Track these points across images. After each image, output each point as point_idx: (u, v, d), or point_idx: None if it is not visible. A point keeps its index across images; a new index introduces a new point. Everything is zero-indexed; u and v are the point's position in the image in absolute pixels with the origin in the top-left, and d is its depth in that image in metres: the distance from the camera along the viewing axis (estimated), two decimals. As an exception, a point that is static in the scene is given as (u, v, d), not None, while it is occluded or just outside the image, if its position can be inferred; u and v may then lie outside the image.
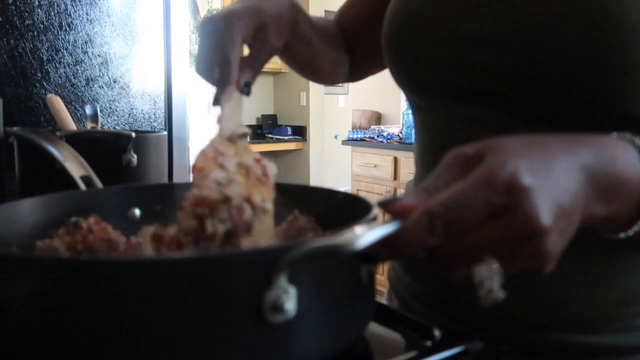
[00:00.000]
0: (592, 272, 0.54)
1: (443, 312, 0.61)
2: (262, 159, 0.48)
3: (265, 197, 0.44)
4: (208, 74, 0.54)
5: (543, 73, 0.51)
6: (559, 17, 0.49)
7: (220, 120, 0.53)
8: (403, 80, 0.66)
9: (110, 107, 1.28)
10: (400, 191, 3.19)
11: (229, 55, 0.53)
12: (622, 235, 0.45)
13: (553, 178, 0.38)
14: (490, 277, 0.37)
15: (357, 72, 0.83)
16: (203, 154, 0.48)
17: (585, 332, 0.54)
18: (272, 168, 0.48)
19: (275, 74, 5.83)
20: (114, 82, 1.28)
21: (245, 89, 0.56)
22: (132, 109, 1.32)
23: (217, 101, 0.54)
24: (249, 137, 0.52)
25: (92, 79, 1.24)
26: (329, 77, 0.81)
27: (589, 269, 0.54)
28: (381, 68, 0.82)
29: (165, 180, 1.03)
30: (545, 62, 0.51)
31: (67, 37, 1.19)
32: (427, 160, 0.65)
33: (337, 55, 0.77)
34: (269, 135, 5.72)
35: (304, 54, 0.70)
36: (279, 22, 0.59)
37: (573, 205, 0.39)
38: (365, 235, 0.35)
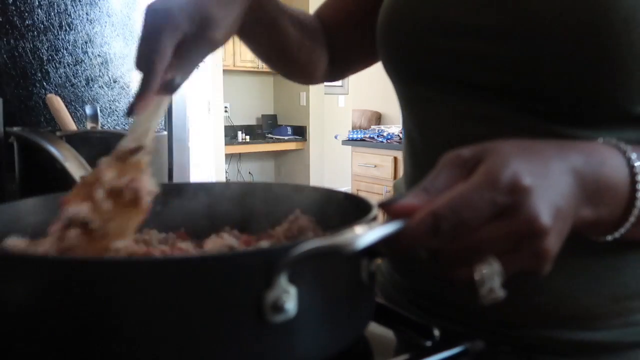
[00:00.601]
0: (589, 269, 0.54)
1: (435, 312, 0.61)
2: (138, 180, 0.45)
3: (122, 225, 0.44)
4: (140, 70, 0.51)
5: (547, 69, 0.51)
6: (566, 13, 0.49)
7: (129, 129, 0.50)
8: (400, 72, 0.64)
9: (110, 107, 1.28)
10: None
11: (153, 65, 0.49)
12: (609, 238, 0.45)
13: (550, 180, 0.39)
14: (491, 276, 0.37)
15: (335, 71, 0.80)
16: (82, 180, 0.46)
17: (584, 329, 0.54)
18: (145, 190, 0.45)
19: (275, 74, 5.81)
20: (114, 82, 1.28)
21: (169, 87, 0.50)
22: (132, 109, 1.32)
23: (130, 112, 0.50)
24: (147, 151, 0.48)
25: (92, 79, 1.24)
26: (305, 72, 0.77)
27: (586, 265, 0.54)
28: (361, 68, 0.81)
29: (165, 180, 1.03)
30: (550, 58, 0.51)
31: (67, 37, 1.19)
32: (420, 157, 0.64)
33: (315, 47, 0.74)
34: (269, 135, 5.72)
35: (276, 42, 0.66)
36: (225, 12, 0.53)
37: (568, 207, 0.39)
38: (365, 235, 0.35)
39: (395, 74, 0.65)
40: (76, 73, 1.21)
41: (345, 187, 4.49)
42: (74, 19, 1.20)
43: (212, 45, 0.53)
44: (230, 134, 5.42)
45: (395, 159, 3.34)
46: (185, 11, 0.50)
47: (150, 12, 0.50)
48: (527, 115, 0.54)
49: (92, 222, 0.43)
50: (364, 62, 0.80)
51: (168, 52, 0.50)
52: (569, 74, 0.50)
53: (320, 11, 0.78)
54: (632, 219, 0.44)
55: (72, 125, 0.98)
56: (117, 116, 1.30)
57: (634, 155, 0.43)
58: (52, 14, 1.16)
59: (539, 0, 0.51)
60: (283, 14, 0.68)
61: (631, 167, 0.43)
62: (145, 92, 0.49)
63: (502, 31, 0.53)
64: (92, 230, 0.43)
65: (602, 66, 0.49)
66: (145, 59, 0.49)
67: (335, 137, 5.06)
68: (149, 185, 0.45)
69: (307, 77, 0.78)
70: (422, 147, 0.64)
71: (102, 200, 0.44)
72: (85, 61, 1.22)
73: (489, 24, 0.54)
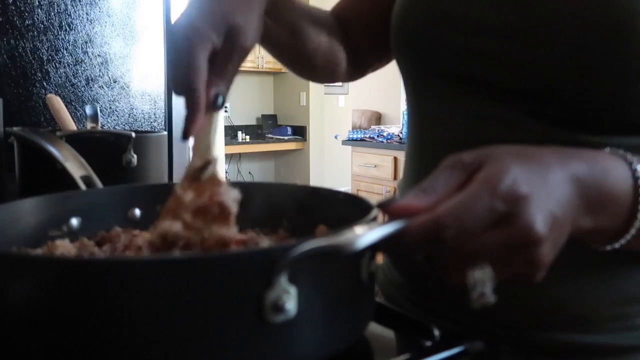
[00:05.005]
0: (590, 273, 0.54)
1: (436, 312, 0.61)
2: (220, 194, 0.46)
3: (219, 236, 0.45)
4: (181, 94, 0.50)
5: (563, 72, 0.51)
6: (581, 16, 0.49)
7: (193, 150, 0.50)
8: (412, 67, 0.64)
9: (110, 107, 1.28)
10: (400, 191, 3.18)
11: (193, 84, 0.48)
12: (609, 247, 0.45)
13: (548, 189, 0.38)
14: (483, 281, 0.37)
15: (356, 69, 0.79)
16: (166, 209, 0.47)
17: (584, 332, 0.54)
18: (230, 202, 0.45)
19: (275, 74, 5.83)
20: (114, 82, 1.28)
21: (218, 103, 0.50)
22: (132, 109, 1.32)
23: (185, 136, 0.49)
24: (215, 164, 0.48)
25: (92, 79, 1.24)
26: (325, 73, 0.76)
27: (588, 269, 0.54)
28: (382, 64, 0.80)
29: (165, 180, 1.03)
30: (561, 60, 0.50)
31: (67, 37, 1.19)
32: (426, 155, 0.64)
33: (333, 46, 0.73)
34: (269, 135, 5.72)
35: (295, 44, 0.66)
36: (248, 18, 0.52)
37: (565, 216, 0.39)
38: (365, 235, 0.35)
39: (407, 69, 0.65)
40: (76, 73, 1.21)
41: (345, 187, 4.49)
42: (74, 19, 1.20)
43: (243, 53, 0.53)
44: (230, 134, 5.42)
45: (395, 159, 3.34)
46: (211, 24, 0.50)
47: (176, 32, 0.50)
48: (537, 118, 0.53)
49: (182, 239, 0.44)
50: (382, 60, 0.79)
51: (205, 68, 0.49)
52: (585, 76, 0.50)
53: (336, 11, 0.77)
54: (632, 231, 0.43)
55: (72, 125, 0.98)
56: (117, 116, 1.30)
57: (639, 167, 0.43)
58: (52, 14, 1.16)
59: (556, 1, 0.50)
60: (301, 15, 0.67)
61: (636, 179, 0.43)
62: (195, 114, 0.48)
63: (519, 31, 0.52)
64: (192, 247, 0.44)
65: (620, 70, 0.48)
66: (184, 81, 0.48)
67: (335, 137, 5.05)
68: (231, 194, 0.46)
69: (328, 77, 0.78)
70: (428, 145, 0.63)
71: (191, 220, 0.45)
72: (85, 61, 1.22)
73: (506, 22, 0.53)
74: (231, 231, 0.45)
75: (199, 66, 0.48)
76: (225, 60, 0.51)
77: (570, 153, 0.43)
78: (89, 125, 1.01)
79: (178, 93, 0.49)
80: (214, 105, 0.50)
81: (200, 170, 0.47)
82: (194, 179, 0.47)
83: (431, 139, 0.63)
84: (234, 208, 0.45)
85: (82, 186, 0.67)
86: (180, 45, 0.49)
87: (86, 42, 1.22)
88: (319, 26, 0.71)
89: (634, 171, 0.43)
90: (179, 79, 0.49)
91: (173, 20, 1.37)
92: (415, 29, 0.61)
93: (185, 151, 1.41)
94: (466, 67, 0.56)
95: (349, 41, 0.76)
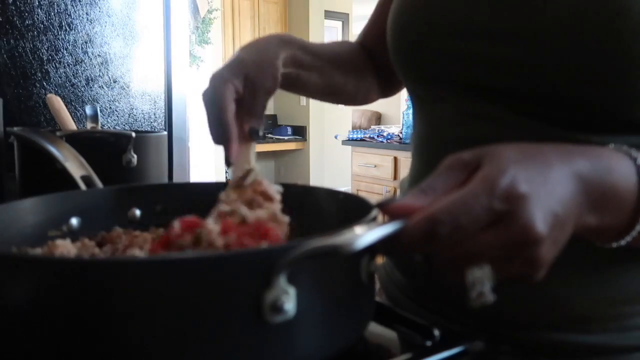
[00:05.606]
0: (588, 273, 0.54)
1: (438, 311, 0.61)
2: (261, 185, 0.51)
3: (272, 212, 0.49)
4: (217, 140, 0.58)
5: (556, 73, 0.51)
6: (579, 17, 0.49)
7: (232, 173, 0.57)
8: (409, 72, 0.64)
9: (110, 107, 1.28)
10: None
11: (222, 117, 0.56)
12: (614, 244, 0.45)
13: (549, 187, 0.38)
14: (482, 280, 0.37)
15: (389, 88, 0.84)
16: (218, 214, 0.51)
17: (582, 332, 0.54)
18: (271, 188, 0.51)
19: (275, 74, 5.82)
20: (114, 82, 1.28)
21: (254, 135, 0.59)
22: (132, 109, 1.32)
23: (227, 162, 0.57)
24: (255, 172, 0.55)
25: (92, 79, 1.24)
26: (356, 100, 0.82)
27: (586, 269, 0.54)
28: None
29: (165, 180, 1.03)
30: (560, 61, 0.50)
31: (67, 37, 1.19)
32: (429, 155, 0.64)
33: (359, 77, 0.78)
34: (269, 135, 5.72)
35: (319, 83, 0.70)
36: (264, 65, 0.60)
37: (567, 215, 0.39)
38: (365, 235, 0.35)
39: (405, 73, 0.65)
40: (76, 73, 1.21)
41: (345, 187, 4.49)
42: (74, 19, 1.20)
43: (267, 91, 0.60)
44: (230, 134, 5.41)
45: (395, 159, 3.34)
46: (232, 72, 0.59)
47: (207, 88, 0.58)
48: (539, 119, 0.53)
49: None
50: None
51: (231, 105, 0.57)
52: (584, 78, 0.50)
53: (362, 39, 0.82)
54: (638, 227, 0.43)
55: (72, 125, 0.98)
56: (117, 116, 1.30)
57: None
58: (52, 14, 1.16)
59: (554, 3, 0.50)
60: (326, 61, 0.71)
61: None
62: (229, 144, 0.57)
63: (517, 34, 0.52)
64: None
65: (619, 71, 0.48)
66: (216, 118, 0.57)
67: (335, 137, 5.05)
68: (273, 187, 0.52)
69: (360, 102, 0.84)
70: (431, 145, 0.63)
71: (249, 210, 0.49)
72: (85, 61, 1.22)
73: (504, 26, 0.53)
74: (275, 206, 0.50)
75: (227, 104, 0.57)
76: (250, 99, 0.59)
77: (573, 150, 0.42)
78: (89, 125, 1.01)
79: (217, 140, 0.57)
80: (250, 137, 0.59)
81: (243, 179, 0.54)
82: (237, 186, 0.53)
83: (434, 139, 0.63)
84: (276, 195, 0.51)
85: (82, 186, 0.67)
86: (210, 91, 0.58)
87: (86, 42, 1.22)
88: (344, 66, 0.75)
89: (638, 167, 0.43)
90: (212, 117, 0.57)
91: (173, 20, 1.37)
92: (413, 37, 0.61)
93: (185, 151, 1.41)
94: (466, 72, 0.57)
95: (378, 65, 0.79)
